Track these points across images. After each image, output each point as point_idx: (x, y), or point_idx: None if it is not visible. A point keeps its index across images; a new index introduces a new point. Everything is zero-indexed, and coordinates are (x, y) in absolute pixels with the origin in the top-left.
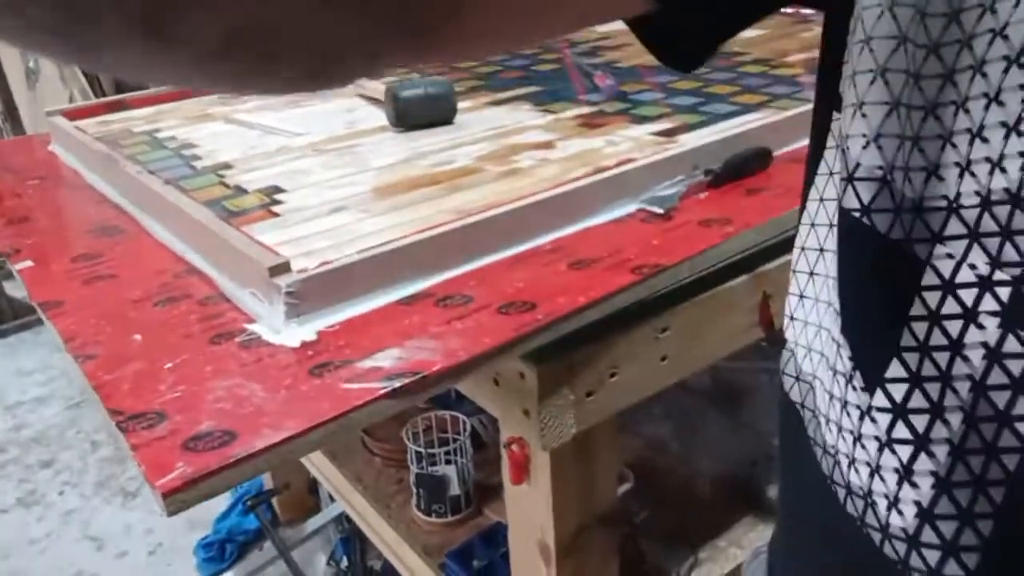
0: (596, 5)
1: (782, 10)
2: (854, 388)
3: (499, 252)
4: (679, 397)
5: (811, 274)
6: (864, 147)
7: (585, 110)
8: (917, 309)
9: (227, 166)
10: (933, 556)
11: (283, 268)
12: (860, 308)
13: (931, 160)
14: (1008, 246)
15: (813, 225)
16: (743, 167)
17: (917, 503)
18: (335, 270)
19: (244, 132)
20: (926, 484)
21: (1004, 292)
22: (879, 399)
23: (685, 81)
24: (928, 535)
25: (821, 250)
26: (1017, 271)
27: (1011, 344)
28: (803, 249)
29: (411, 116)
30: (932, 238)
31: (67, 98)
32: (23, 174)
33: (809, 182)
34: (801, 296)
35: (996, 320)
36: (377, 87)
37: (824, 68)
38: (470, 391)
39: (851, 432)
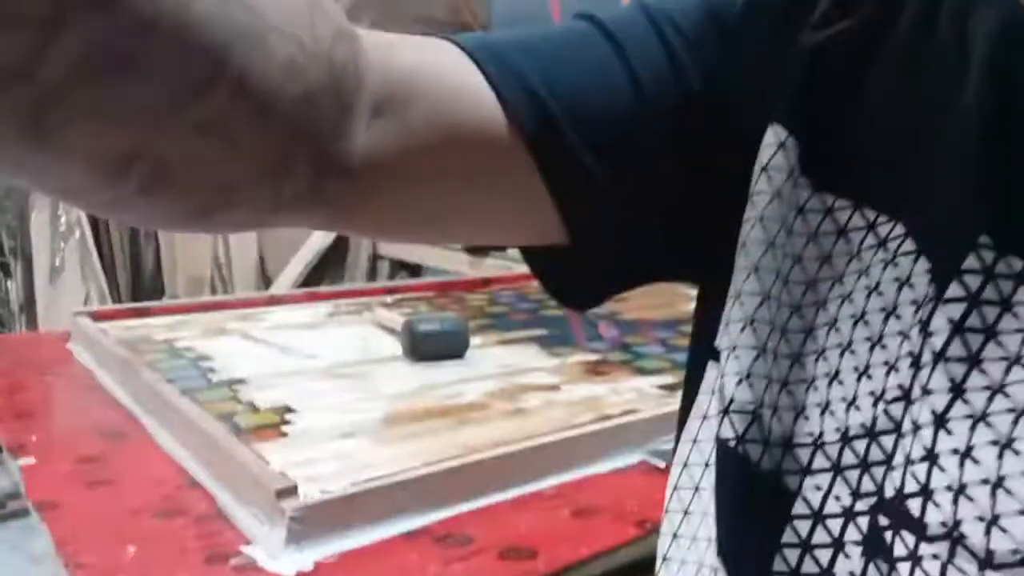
0: (506, 225)
1: None
2: None
3: (502, 493)
4: None
5: (686, 512)
6: (738, 384)
7: (590, 357)
8: (789, 537)
9: (241, 381)
10: None
11: (290, 492)
12: (735, 533)
13: (799, 401)
14: (865, 478)
15: (686, 465)
16: None
17: None
18: (340, 499)
19: (261, 349)
20: None
21: (863, 522)
22: None
23: (682, 339)
24: None
25: (696, 488)
26: (873, 501)
27: (872, 573)
28: (676, 488)
29: (425, 348)
30: (802, 471)
31: (83, 296)
32: (37, 369)
33: (681, 425)
34: (675, 536)
35: (859, 549)
36: (395, 318)
37: (698, 325)
38: None
39: None
